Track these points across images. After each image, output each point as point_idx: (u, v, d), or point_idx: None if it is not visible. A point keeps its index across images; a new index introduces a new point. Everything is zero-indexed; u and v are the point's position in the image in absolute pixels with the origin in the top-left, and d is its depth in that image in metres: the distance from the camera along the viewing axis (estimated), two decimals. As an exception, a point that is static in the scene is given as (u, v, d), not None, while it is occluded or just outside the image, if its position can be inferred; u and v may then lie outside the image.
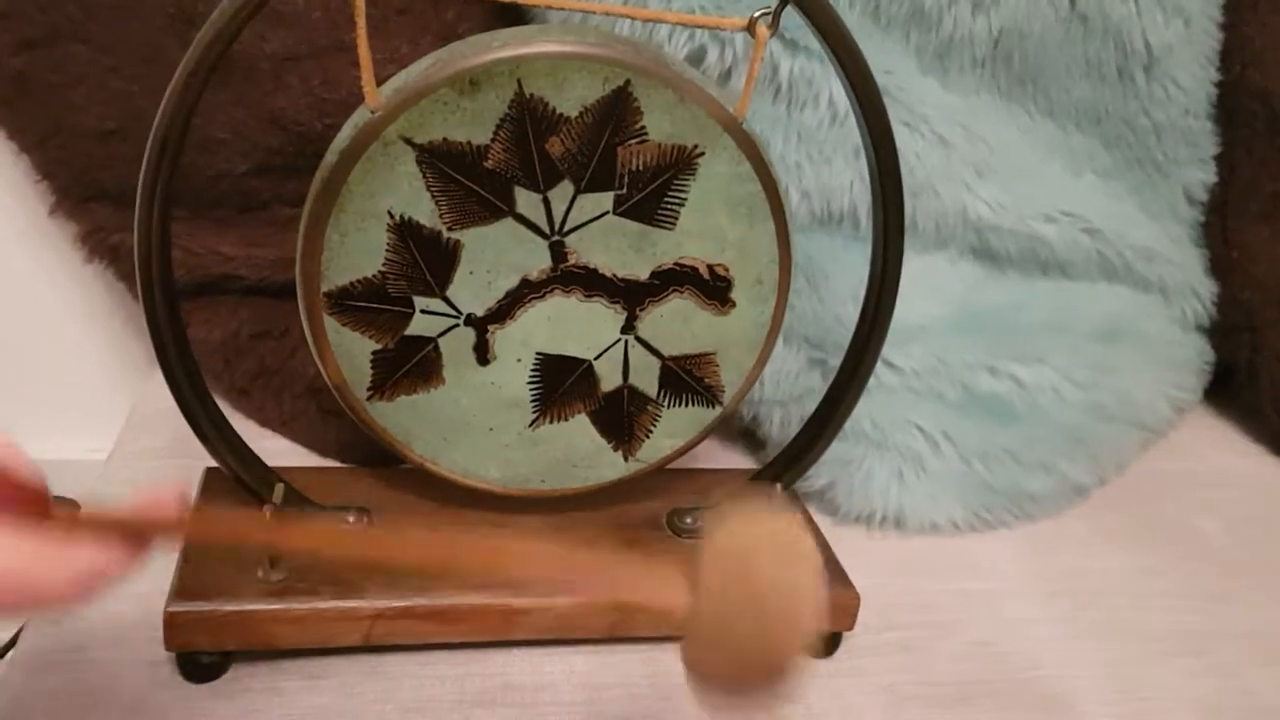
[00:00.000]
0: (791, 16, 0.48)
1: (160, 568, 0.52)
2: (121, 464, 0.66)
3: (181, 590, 0.49)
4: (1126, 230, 0.74)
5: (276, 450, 0.65)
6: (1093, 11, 0.68)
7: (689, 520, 0.58)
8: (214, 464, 0.53)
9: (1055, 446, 0.69)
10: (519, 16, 0.62)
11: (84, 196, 0.68)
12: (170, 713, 0.48)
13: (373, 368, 0.51)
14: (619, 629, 0.53)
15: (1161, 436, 0.78)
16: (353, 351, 0.51)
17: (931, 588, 0.61)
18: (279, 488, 0.52)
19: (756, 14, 0.48)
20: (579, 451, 0.55)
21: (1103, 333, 0.73)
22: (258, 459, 0.53)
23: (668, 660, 0.53)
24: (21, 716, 0.47)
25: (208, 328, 0.67)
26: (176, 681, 0.49)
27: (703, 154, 0.49)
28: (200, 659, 0.49)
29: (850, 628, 0.55)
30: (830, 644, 0.55)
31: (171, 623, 0.48)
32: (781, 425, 0.68)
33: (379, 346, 0.51)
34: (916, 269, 0.68)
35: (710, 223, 0.50)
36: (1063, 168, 0.73)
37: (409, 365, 0.51)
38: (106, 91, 0.64)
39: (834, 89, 0.63)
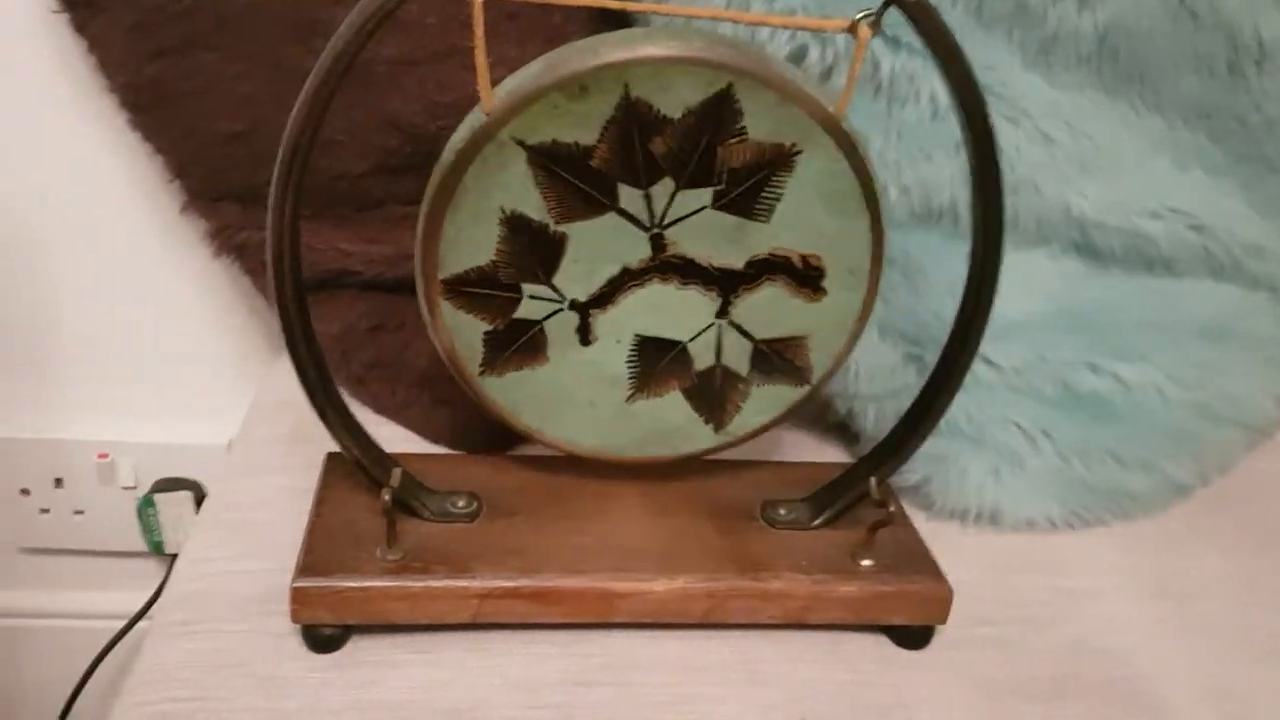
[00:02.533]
0: (894, 13, 0.49)
1: (285, 547, 0.56)
2: (245, 450, 0.70)
3: (306, 567, 0.52)
4: (1235, 227, 0.73)
5: (390, 437, 0.68)
6: (1203, 6, 0.67)
7: (783, 511, 0.59)
8: (335, 449, 0.56)
9: (1157, 446, 0.69)
10: (623, 18, 0.64)
11: (213, 196, 0.71)
12: (296, 681, 0.51)
13: (484, 346, 0.55)
14: (712, 615, 0.55)
15: (1268, 437, 0.76)
16: (466, 332, 0.54)
17: (1026, 584, 0.62)
18: (396, 472, 0.54)
19: (859, 15, 0.48)
20: (672, 424, 0.58)
21: (1208, 331, 0.72)
22: (377, 445, 0.56)
23: (761, 647, 0.55)
24: (164, 678, 0.51)
25: (326, 321, 0.70)
26: (301, 652, 0.52)
27: (801, 152, 0.50)
28: (322, 632, 0.52)
29: (943, 620, 0.56)
30: (923, 636, 0.56)
31: (297, 597, 0.52)
32: (876, 420, 0.68)
33: (490, 327, 0.54)
34: (1016, 265, 0.68)
35: (806, 216, 0.52)
36: (1169, 163, 0.72)
37: (517, 345, 0.55)
38: (235, 97, 0.67)
39: (935, 85, 0.63)
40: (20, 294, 0.82)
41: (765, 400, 0.58)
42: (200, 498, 0.87)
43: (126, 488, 0.88)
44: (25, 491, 0.88)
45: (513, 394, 0.57)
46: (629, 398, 0.57)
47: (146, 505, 0.87)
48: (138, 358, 0.85)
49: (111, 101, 0.71)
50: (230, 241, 0.72)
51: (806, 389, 0.58)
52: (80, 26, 0.69)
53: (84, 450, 0.87)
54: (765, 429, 0.59)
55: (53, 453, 0.87)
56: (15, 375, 0.85)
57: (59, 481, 0.88)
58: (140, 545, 0.89)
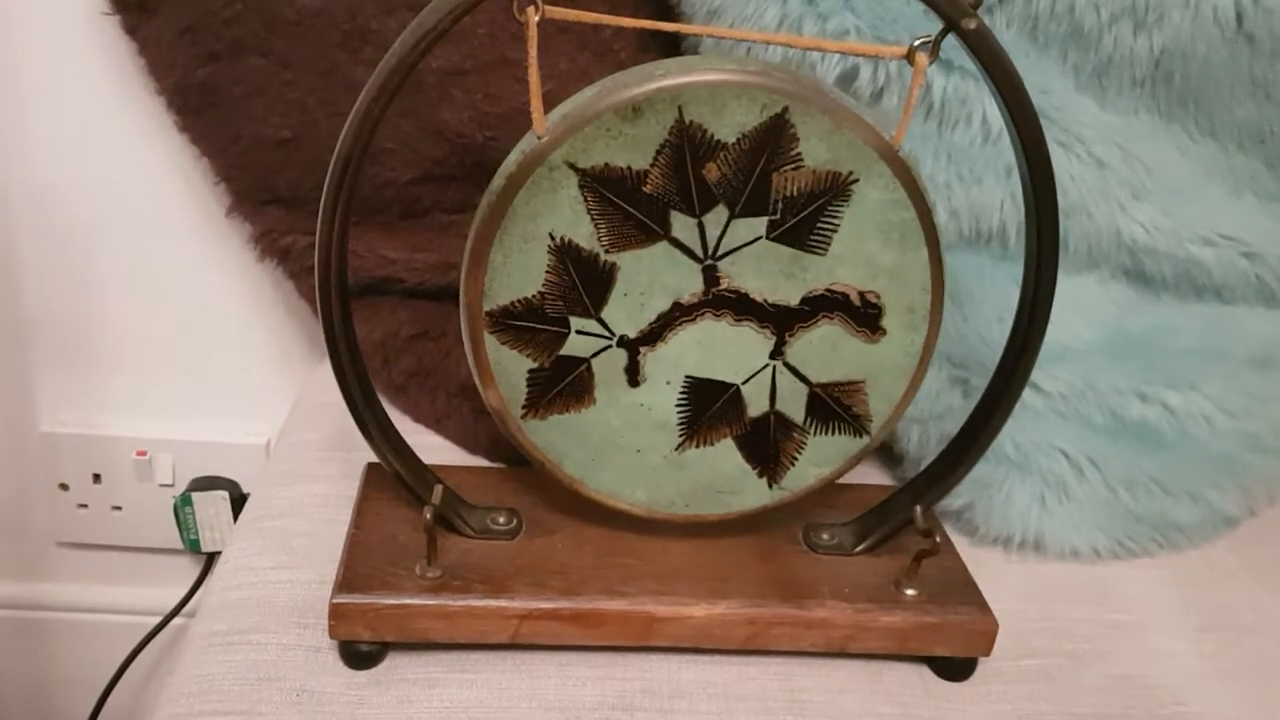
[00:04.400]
0: (947, 36, 0.48)
1: (324, 558, 0.56)
2: (284, 454, 0.70)
3: (345, 583, 0.52)
4: (1287, 254, 0.71)
5: (429, 446, 0.68)
6: (1260, 31, 0.65)
7: (825, 536, 0.59)
8: (374, 459, 0.56)
9: (1205, 476, 0.68)
10: (674, 36, 0.63)
11: (259, 200, 0.72)
12: (335, 697, 0.51)
13: (528, 386, 0.53)
14: (755, 642, 0.54)
15: (1318, 469, 0.75)
16: (510, 370, 0.53)
17: (1071, 615, 0.61)
18: (438, 489, 0.54)
19: (916, 42, 0.48)
20: (724, 476, 0.56)
21: (1259, 360, 0.71)
22: (417, 459, 0.56)
23: (802, 675, 0.54)
24: (207, 689, 0.51)
25: (369, 327, 0.70)
26: (338, 668, 0.52)
27: (857, 180, 0.49)
28: (360, 648, 0.52)
29: (987, 653, 0.55)
30: (967, 668, 0.56)
31: (336, 614, 0.51)
32: (920, 443, 0.68)
33: (535, 365, 0.53)
34: (1066, 290, 0.67)
35: (863, 249, 0.51)
36: (1223, 189, 0.71)
37: (563, 384, 0.53)
38: (284, 103, 0.67)
39: (987, 108, 0.63)
40: (65, 291, 0.82)
41: (821, 452, 0.56)
42: (236, 497, 0.88)
43: (164, 485, 0.89)
44: (64, 486, 0.89)
45: (556, 440, 0.55)
46: (678, 445, 0.55)
47: (184, 503, 0.87)
48: (179, 356, 0.85)
49: (159, 103, 0.71)
50: (275, 245, 0.73)
51: (865, 440, 0.55)
52: (131, 29, 0.69)
53: (123, 447, 0.87)
54: (822, 484, 0.57)
55: (92, 449, 0.87)
56: (57, 371, 0.85)
57: (97, 477, 0.88)
58: (176, 543, 0.89)
